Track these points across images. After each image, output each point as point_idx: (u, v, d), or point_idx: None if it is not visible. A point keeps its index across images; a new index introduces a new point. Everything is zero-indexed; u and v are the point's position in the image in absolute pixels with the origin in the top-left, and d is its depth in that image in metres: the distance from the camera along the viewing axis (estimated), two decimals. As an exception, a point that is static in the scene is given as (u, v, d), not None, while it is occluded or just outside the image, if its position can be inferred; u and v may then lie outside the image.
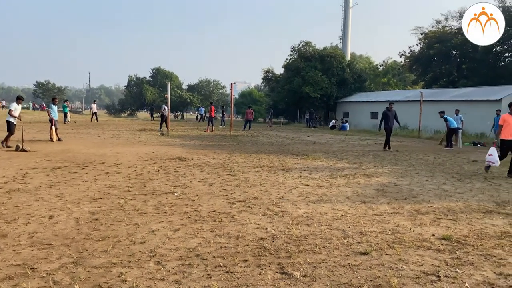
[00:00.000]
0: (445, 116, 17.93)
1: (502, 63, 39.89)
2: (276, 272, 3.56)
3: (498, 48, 39.57)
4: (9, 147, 11.92)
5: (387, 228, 4.99)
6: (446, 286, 3.35)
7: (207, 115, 29.82)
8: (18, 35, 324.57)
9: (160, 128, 23.83)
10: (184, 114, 68.73)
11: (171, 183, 7.43)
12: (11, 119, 12.39)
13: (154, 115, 48.68)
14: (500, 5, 35.95)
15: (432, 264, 3.82)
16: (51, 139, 14.51)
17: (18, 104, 12.75)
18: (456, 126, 19.51)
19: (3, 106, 55.49)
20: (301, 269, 3.62)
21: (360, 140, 20.66)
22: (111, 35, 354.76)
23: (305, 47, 45.29)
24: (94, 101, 38.42)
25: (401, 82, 53.79)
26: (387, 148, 15.20)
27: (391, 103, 15.59)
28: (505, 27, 35.80)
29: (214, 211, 5.57)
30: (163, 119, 23.88)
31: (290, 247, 4.19)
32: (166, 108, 23.06)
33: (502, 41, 38.33)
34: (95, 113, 33.46)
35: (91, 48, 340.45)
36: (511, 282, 3.46)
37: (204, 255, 3.90)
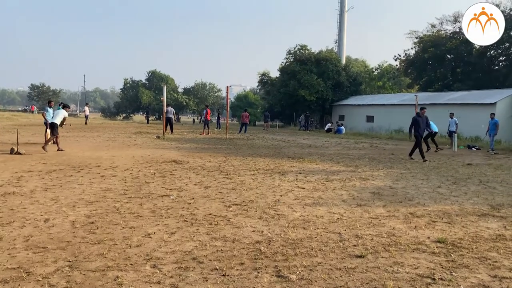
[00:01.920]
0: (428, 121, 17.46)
1: (496, 67, 40.30)
2: (273, 275, 3.56)
3: (492, 52, 39.96)
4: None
5: (382, 231, 5.01)
6: (441, 289, 3.37)
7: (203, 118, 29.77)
8: (13, 37, 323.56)
9: (172, 131, 23.57)
10: (180, 117, 68.64)
11: (167, 186, 7.42)
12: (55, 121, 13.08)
13: (149, 118, 48.59)
14: (494, 9, 36.27)
15: (428, 267, 3.84)
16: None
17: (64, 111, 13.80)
18: (450, 130, 19.65)
19: None
20: (297, 272, 3.62)
21: (356, 144, 20.72)
22: (107, 38, 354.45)
23: (301, 50, 45.50)
24: (87, 103, 38.33)
25: (396, 86, 54.12)
26: (411, 156, 13.78)
27: (423, 108, 13.78)
28: (499, 32, 36.14)
29: (210, 214, 5.57)
30: (170, 122, 23.80)
31: (286, 250, 4.19)
32: (170, 110, 23.06)
33: (496, 45, 38.69)
34: (87, 116, 33.37)
35: (87, 50, 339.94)
36: (506, 284, 3.49)
37: (200, 258, 3.90)
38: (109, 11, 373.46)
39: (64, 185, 7.27)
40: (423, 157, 13.14)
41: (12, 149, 11.44)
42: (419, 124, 13.27)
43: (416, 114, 13.74)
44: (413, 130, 13.35)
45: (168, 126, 22.98)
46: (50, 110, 14.90)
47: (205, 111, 27.47)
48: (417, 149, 13.51)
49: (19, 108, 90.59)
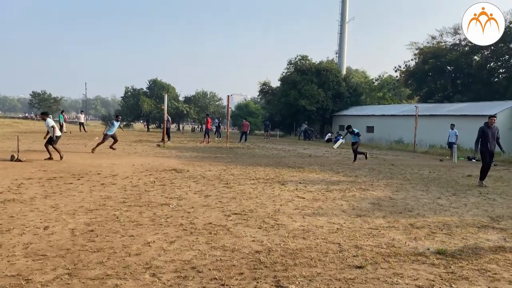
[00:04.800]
0: (355, 130, 16.05)
1: (496, 79, 40.44)
2: (272, 285, 3.56)
3: (492, 64, 40.14)
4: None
5: (382, 242, 5.00)
6: (441, 301, 3.36)
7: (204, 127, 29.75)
8: (15, 44, 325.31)
9: (169, 139, 23.55)
10: (181, 125, 68.68)
11: (167, 195, 7.42)
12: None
13: (150, 127, 48.60)
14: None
15: (427, 278, 3.83)
16: (92, 150, 14.82)
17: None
18: (450, 141, 19.72)
19: None
20: (297, 282, 3.62)
21: (356, 154, 20.70)
22: (108, 46, 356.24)
23: (302, 60, 45.69)
24: (82, 111, 38.35)
25: (396, 97, 54.31)
26: (483, 181, 10.47)
27: (492, 116, 10.50)
28: (499, 44, 36.31)
29: (209, 223, 5.56)
30: (168, 131, 23.78)
31: (286, 260, 4.19)
32: (168, 119, 23.09)
33: (496, 57, 38.94)
34: (82, 123, 33.29)
35: (88, 58, 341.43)
36: (506, 297, 3.48)
37: (200, 268, 3.89)
38: (110, 19, 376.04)
39: (64, 192, 7.27)
40: (482, 178, 10.48)
41: (12, 156, 11.46)
42: (488, 136, 10.31)
43: (484, 124, 10.61)
44: (479, 145, 10.59)
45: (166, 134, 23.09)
46: (116, 124, 16.23)
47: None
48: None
49: (20, 115, 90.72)
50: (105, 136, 15.58)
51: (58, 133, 12.39)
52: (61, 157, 11.95)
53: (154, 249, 4.38)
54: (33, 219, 5.39)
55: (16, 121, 47.66)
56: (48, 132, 12.32)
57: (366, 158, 17.09)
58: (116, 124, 16.25)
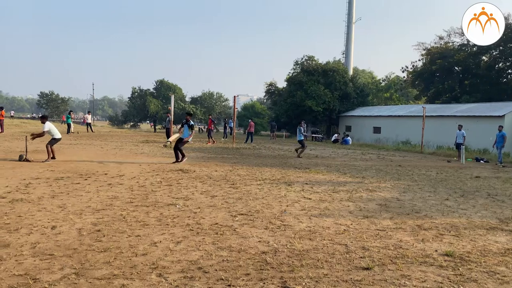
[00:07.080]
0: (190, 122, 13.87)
1: (505, 80, 40.09)
2: (278, 286, 3.54)
3: (500, 64, 39.80)
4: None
5: (389, 243, 4.97)
6: (449, 303, 3.32)
7: (207, 128, 29.84)
8: (23, 45, 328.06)
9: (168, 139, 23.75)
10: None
11: (173, 195, 7.44)
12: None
13: (156, 127, 48.81)
14: (502, 22, 36.21)
15: (435, 280, 3.80)
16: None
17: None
18: (458, 142, 19.60)
19: (12, 116, 55.76)
20: (303, 284, 3.60)
21: (363, 155, 20.63)
22: (116, 47, 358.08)
23: (308, 61, 45.64)
24: (89, 112, 38.57)
25: (403, 97, 54.11)
26: None
27: None
28: (508, 44, 35.92)
29: (216, 223, 5.56)
30: (168, 131, 23.87)
31: (292, 261, 4.17)
32: (169, 119, 23.16)
33: (504, 57, 38.59)
34: (89, 124, 33.46)
35: (96, 59, 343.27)
36: (515, 299, 3.43)
37: (206, 268, 3.89)
38: (118, 20, 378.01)
39: (71, 192, 7.31)
40: None
41: (21, 156, 11.56)
42: None
43: None
44: None
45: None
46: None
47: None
48: None
49: (28, 116, 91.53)
50: (302, 142, 17.21)
51: (58, 135, 12.42)
52: (53, 158, 11.97)
53: (161, 249, 4.39)
54: (41, 219, 5.42)
55: (24, 121, 48.00)
56: (43, 133, 12.35)
57: (177, 160, 12.82)
58: (302, 130, 17.48)
